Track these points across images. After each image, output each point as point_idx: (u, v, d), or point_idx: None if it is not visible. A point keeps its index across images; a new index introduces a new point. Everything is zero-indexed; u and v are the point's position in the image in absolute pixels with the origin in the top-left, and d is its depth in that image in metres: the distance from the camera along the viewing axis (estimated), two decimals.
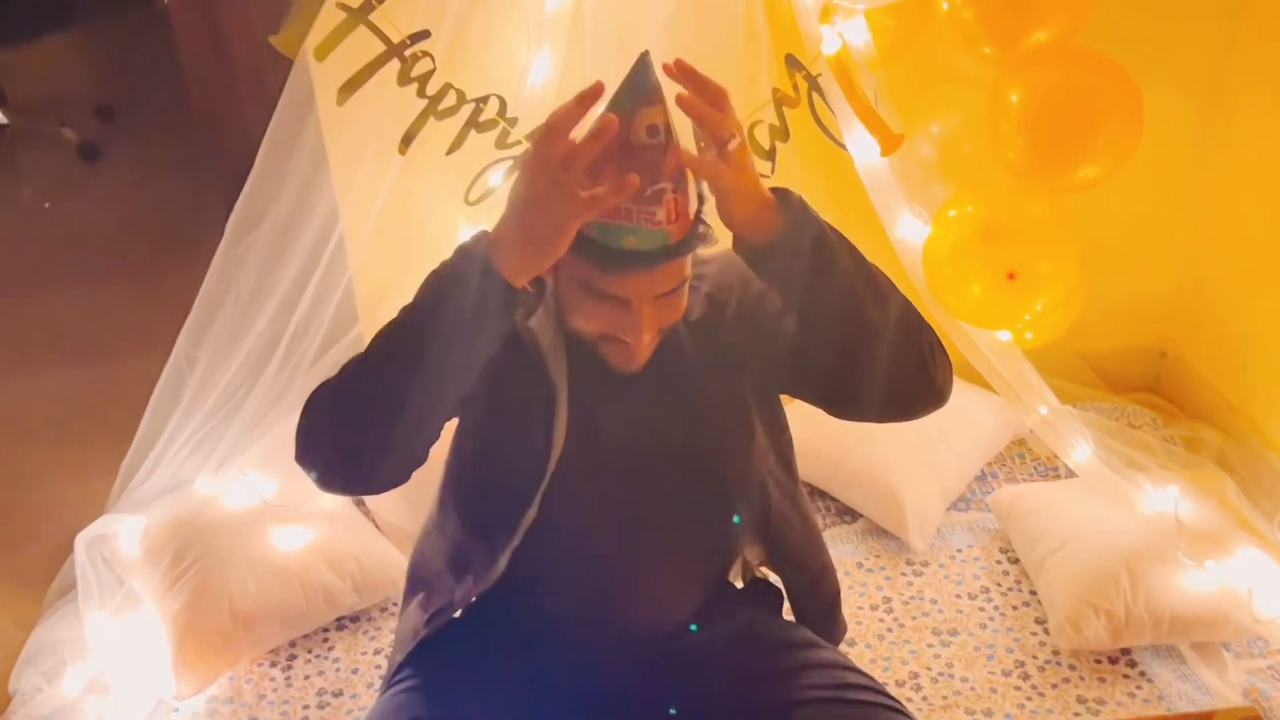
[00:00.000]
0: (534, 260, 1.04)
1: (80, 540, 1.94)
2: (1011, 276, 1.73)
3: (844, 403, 1.26)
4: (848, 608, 1.86)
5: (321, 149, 1.94)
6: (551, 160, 0.98)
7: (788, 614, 1.46)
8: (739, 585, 1.49)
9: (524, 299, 1.07)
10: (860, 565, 2.06)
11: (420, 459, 1.15)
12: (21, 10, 3.73)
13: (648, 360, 1.19)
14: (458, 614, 1.33)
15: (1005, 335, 1.94)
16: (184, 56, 2.52)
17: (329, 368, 1.87)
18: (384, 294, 1.96)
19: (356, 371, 1.10)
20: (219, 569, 1.86)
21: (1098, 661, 1.84)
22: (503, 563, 1.23)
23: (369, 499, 2.12)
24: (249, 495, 2.01)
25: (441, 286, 1.07)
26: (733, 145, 1.04)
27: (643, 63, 1.03)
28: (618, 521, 1.28)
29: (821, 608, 1.45)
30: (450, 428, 1.25)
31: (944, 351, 1.22)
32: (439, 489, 1.35)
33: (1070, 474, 2.10)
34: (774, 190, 1.11)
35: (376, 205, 1.92)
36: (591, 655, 1.30)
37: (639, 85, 1.02)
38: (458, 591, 1.28)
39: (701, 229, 1.11)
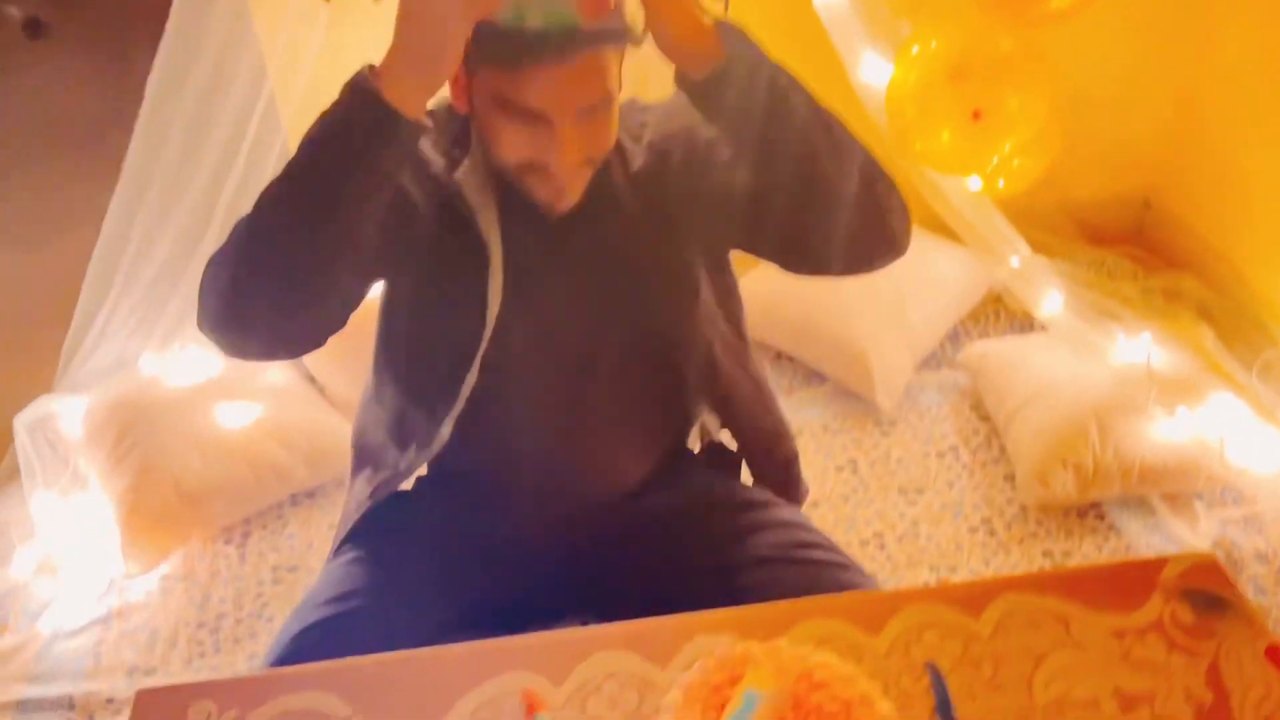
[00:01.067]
0: (424, 77, 0.95)
1: (19, 421, 1.89)
2: (976, 115, 1.62)
3: (799, 256, 1.17)
4: (814, 470, 1.84)
5: (242, 1, 1.81)
6: None
7: (747, 479, 1.42)
8: (695, 450, 1.43)
9: (413, 131, 0.97)
10: (827, 428, 2.01)
11: (335, 320, 1.07)
12: None
13: (585, 211, 1.12)
14: (405, 485, 1.28)
15: (976, 183, 1.84)
16: None
17: None
18: None
19: (244, 233, 1.01)
20: (163, 447, 1.81)
21: (1065, 515, 1.80)
22: (446, 430, 1.17)
23: (315, 372, 2.06)
24: (192, 372, 1.94)
25: (324, 129, 0.97)
26: None
27: None
28: (564, 384, 1.22)
29: (778, 470, 1.40)
30: (377, 290, 1.18)
31: (901, 199, 1.13)
32: (374, 357, 1.28)
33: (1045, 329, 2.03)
34: (716, 22, 1.02)
35: (307, 62, 1.81)
36: (542, 522, 1.26)
37: None
38: (402, 463, 1.23)
39: (620, 23, 1.01)
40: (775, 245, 1.17)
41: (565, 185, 1.08)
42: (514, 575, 1.26)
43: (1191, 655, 0.95)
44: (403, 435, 1.24)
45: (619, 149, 1.18)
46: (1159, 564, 1.03)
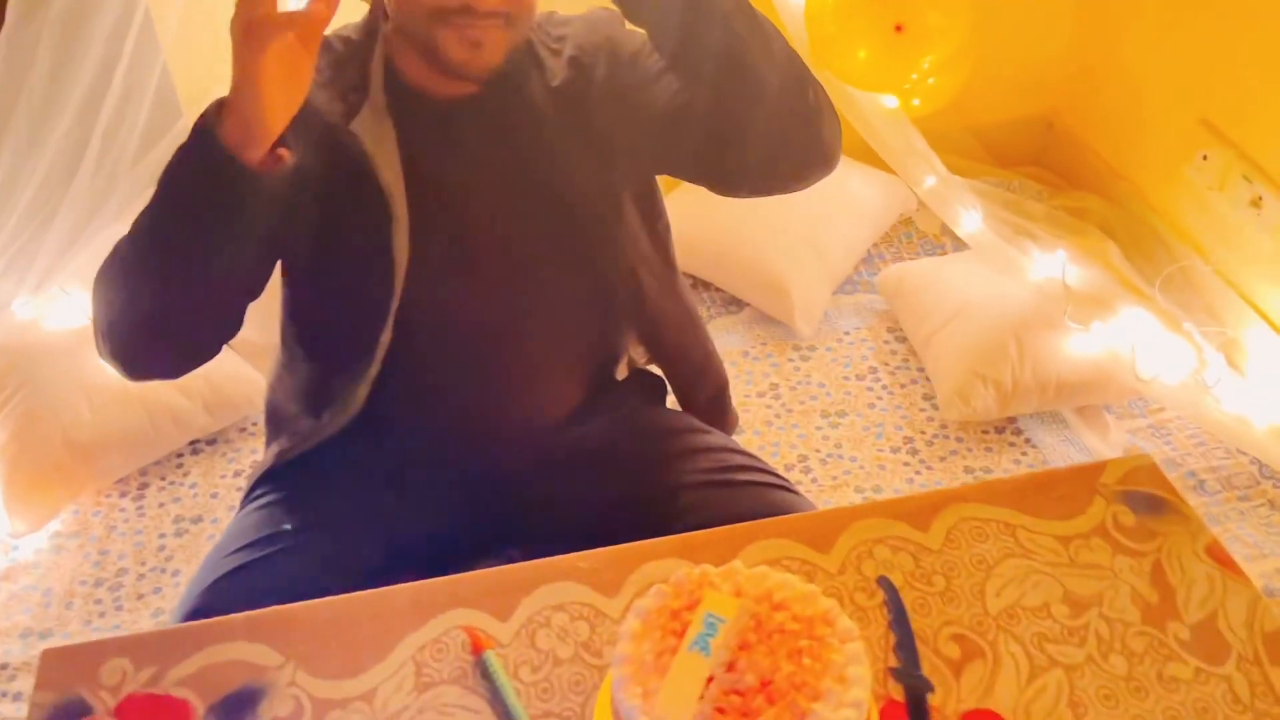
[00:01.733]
0: (257, 126, 0.90)
1: None
2: (899, 29, 1.59)
3: (728, 174, 1.13)
4: (736, 397, 1.80)
5: None
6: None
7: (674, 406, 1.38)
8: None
9: (252, 179, 0.92)
10: (747, 354, 2.00)
11: (236, 317, 1.06)
12: None
13: (502, 129, 1.05)
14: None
15: (892, 102, 1.82)
16: None
17: (153, 168, 1.64)
18: (208, 81, 1.72)
19: (118, 264, 0.99)
20: (45, 397, 1.68)
21: (984, 432, 1.83)
22: (362, 393, 1.11)
23: None
24: (73, 315, 1.81)
25: (171, 166, 0.94)
26: None
27: None
28: (484, 316, 1.16)
29: (708, 399, 1.37)
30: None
31: (833, 107, 1.09)
32: (280, 328, 1.20)
33: (959, 248, 2.04)
34: None
35: None
36: (467, 457, 1.20)
37: None
38: (315, 428, 1.15)
39: None
40: (703, 162, 1.12)
41: (482, 38, 1.00)
42: (441, 513, 1.21)
43: (1135, 556, 0.96)
44: (316, 403, 1.17)
45: (537, 62, 1.11)
46: (1098, 469, 1.04)
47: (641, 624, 0.82)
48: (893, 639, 0.89)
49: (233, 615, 0.89)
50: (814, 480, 1.75)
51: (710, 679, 0.75)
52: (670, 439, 1.27)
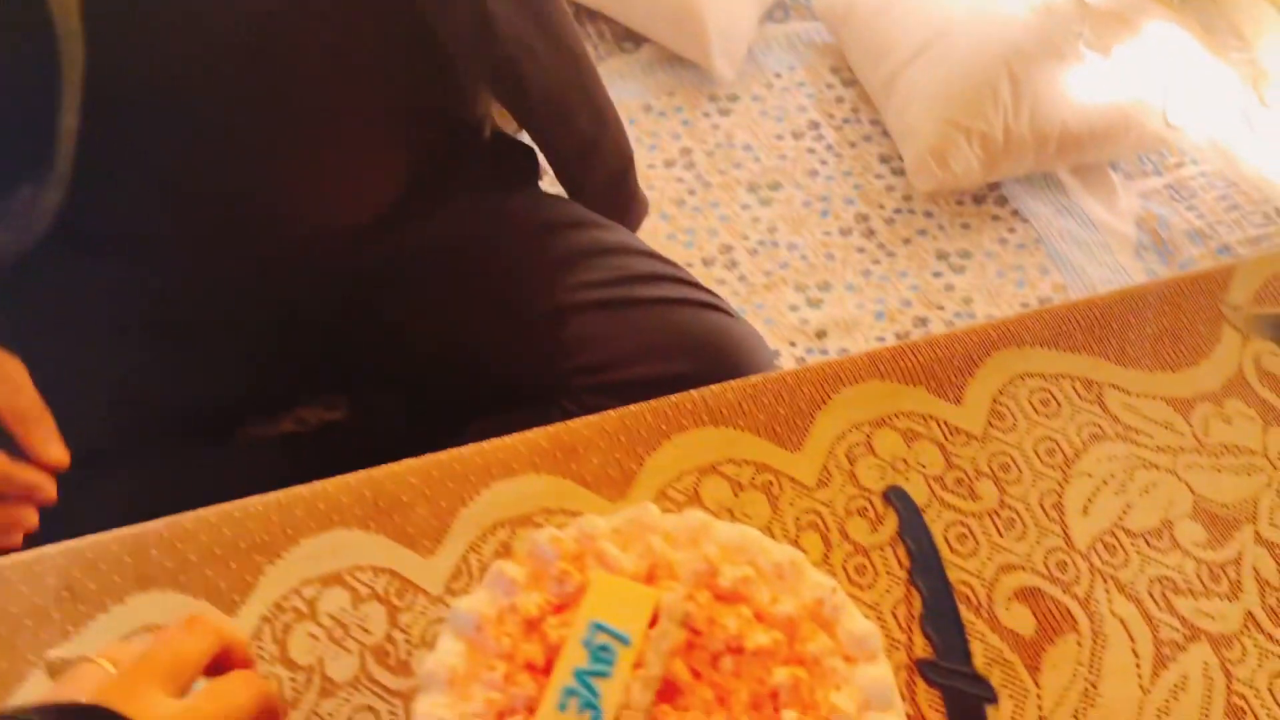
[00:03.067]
0: None
1: None
2: None
3: None
4: (637, 170, 1.40)
5: None
6: None
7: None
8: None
9: None
10: (649, 108, 1.56)
11: None
12: None
13: None
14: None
15: None
16: None
17: None
18: None
19: None
20: None
21: (959, 203, 1.46)
22: (51, 198, 0.73)
23: None
24: None
25: None
26: None
27: None
28: (230, 74, 0.77)
29: (604, 182, 1.03)
30: None
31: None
32: None
33: None
34: None
35: None
36: (235, 282, 0.88)
37: None
38: None
39: None
40: None
41: None
42: (209, 360, 0.88)
43: None
44: None
45: None
46: (1219, 279, 0.67)
47: (465, 650, 0.44)
48: (917, 604, 0.53)
49: None
50: (742, 278, 1.36)
51: None
52: (545, 237, 0.93)
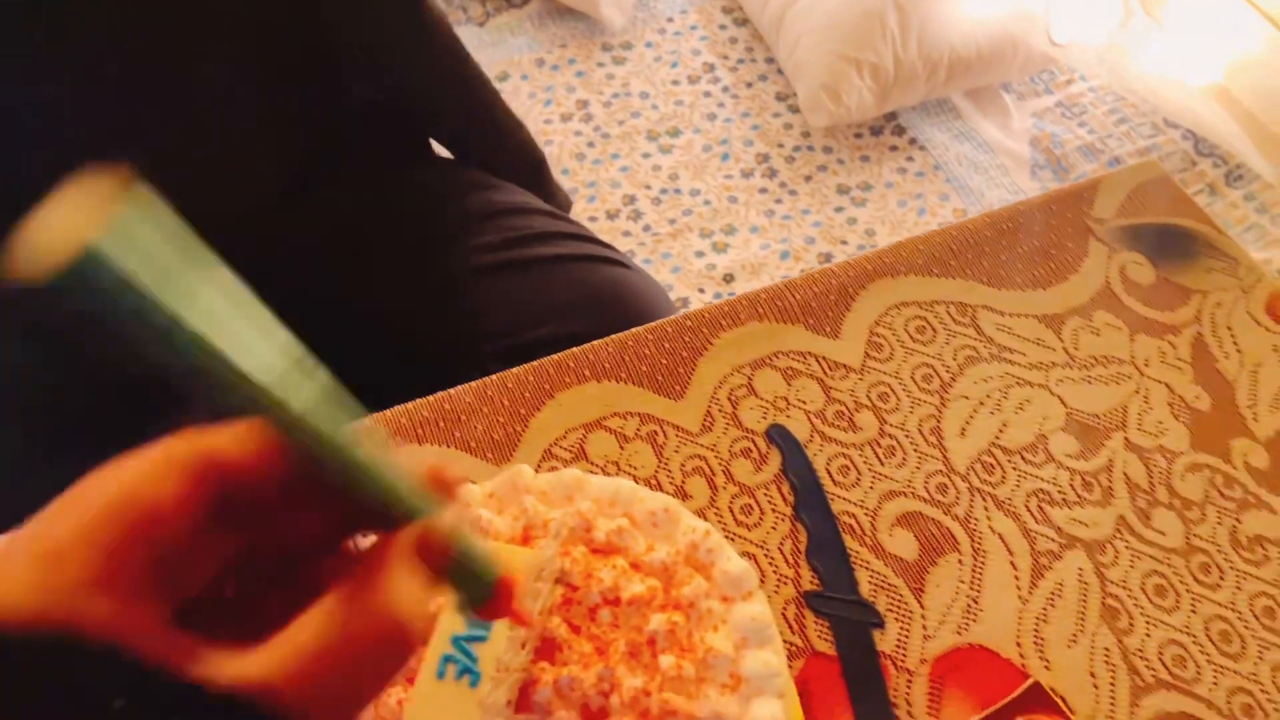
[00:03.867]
0: None
1: None
2: None
3: None
4: (533, 123, 1.39)
5: None
6: None
7: None
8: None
9: None
10: (541, 63, 1.53)
11: None
12: None
13: None
14: None
15: None
16: None
17: None
18: None
19: None
20: None
21: (857, 136, 1.46)
22: None
23: None
24: None
25: None
26: None
27: None
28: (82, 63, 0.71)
29: (516, 180, 0.99)
30: None
31: None
32: None
33: None
34: None
35: None
36: None
37: None
38: None
39: None
40: None
41: None
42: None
43: (1164, 334, 0.62)
44: None
45: None
46: (1083, 195, 0.68)
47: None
48: (803, 539, 0.54)
49: None
50: (646, 228, 1.36)
51: None
52: (439, 204, 0.90)
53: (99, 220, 0.19)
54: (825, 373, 0.59)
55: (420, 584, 0.26)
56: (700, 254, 1.34)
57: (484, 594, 0.32)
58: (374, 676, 0.25)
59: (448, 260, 0.88)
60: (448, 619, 0.42)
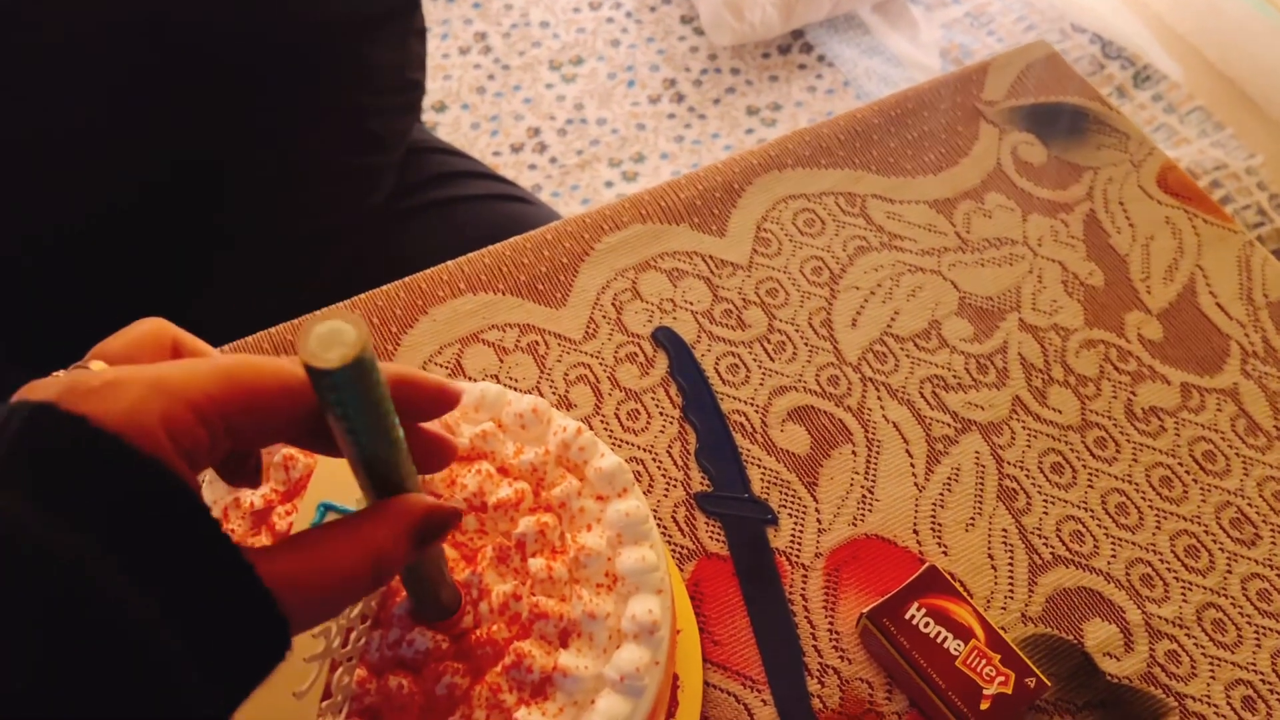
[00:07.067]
0: None
1: None
2: None
3: None
4: (429, 60, 1.34)
5: None
6: None
7: None
8: None
9: None
10: None
11: None
12: None
13: None
14: None
15: None
16: None
17: None
18: None
19: None
20: None
21: (765, 55, 1.44)
22: None
23: None
24: None
25: None
26: None
27: None
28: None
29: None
30: None
31: None
32: None
33: None
34: None
35: None
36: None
37: None
38: None
39: None
40: None
41: None
42: None
43: (1057, 213, 0.61)
44: None
45: None
46: (972, 79, 0.67)
47: None
48: (692, 440, 0.52)
49: None
50: (553, 160, 1.33)
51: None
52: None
53: (360, 338, 0.25)
54: (712, 271, 0.57)
55: (403, 551, 0.30)
56: (610, 184, 1.31)
57: (434, 614, 0.37)
58: (338, 606, 0.29)
59: (339, 209, 0.84)
60: (317, 487, 0.40)
